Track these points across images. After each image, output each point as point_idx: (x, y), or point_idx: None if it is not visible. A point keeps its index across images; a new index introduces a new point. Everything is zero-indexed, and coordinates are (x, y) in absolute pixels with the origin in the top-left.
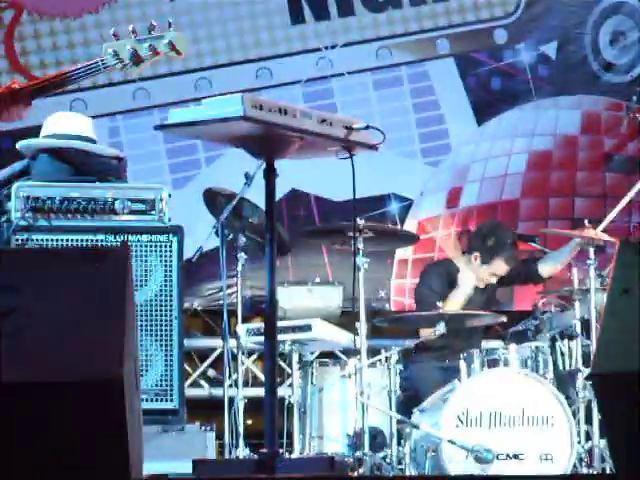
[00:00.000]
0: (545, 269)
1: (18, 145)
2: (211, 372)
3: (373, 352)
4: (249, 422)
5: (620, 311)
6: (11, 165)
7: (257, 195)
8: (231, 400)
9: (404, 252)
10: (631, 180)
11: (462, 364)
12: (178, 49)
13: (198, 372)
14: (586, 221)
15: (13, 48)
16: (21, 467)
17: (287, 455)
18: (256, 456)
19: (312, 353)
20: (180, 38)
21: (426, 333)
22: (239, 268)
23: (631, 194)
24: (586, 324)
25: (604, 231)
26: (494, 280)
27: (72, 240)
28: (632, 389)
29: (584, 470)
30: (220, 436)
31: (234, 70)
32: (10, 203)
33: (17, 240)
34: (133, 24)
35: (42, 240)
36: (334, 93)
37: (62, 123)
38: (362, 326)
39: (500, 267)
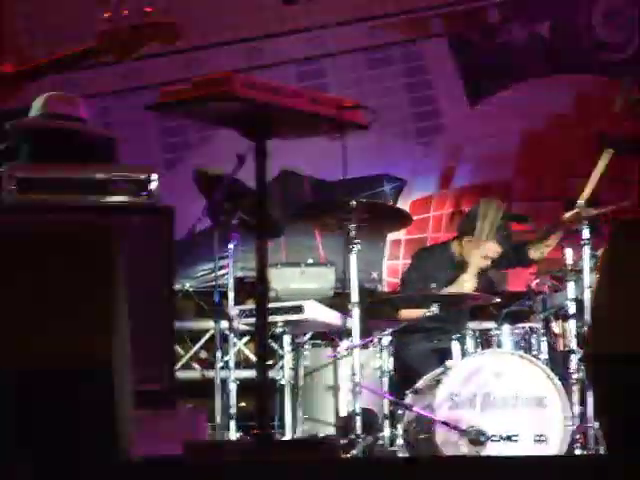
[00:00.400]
0: (535, 253)
1: (7, 125)
2: (203, 354)
3: (366, 333)
4: (241, 404)
5: (612, 292)
6: None
7: (249, 176)
8: (223, 382)
9: (397, 233)
10: (624, 160)
11: (455, 345)
12: (171, 37)
13: (190, 354)
14: (579, 202)
15: (1, 27)
16: (12, 452)
17: (279, 437)
18: (247, 438)
19: (304, 334)
20: (174, 26)
21: (413, 314)
22: (231, 249)
23: (600, 167)
24: (580, 305)
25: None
26: (488, 262)
27: (62, 220)
28: (624, 370)
29: (578, 451)
30: (212, 418)
31: (226, 50)
32: None
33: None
34: (125, 4)
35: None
36: (326, 73)
37: (52, 103)
38: (354, 307)
39: (492, 248)
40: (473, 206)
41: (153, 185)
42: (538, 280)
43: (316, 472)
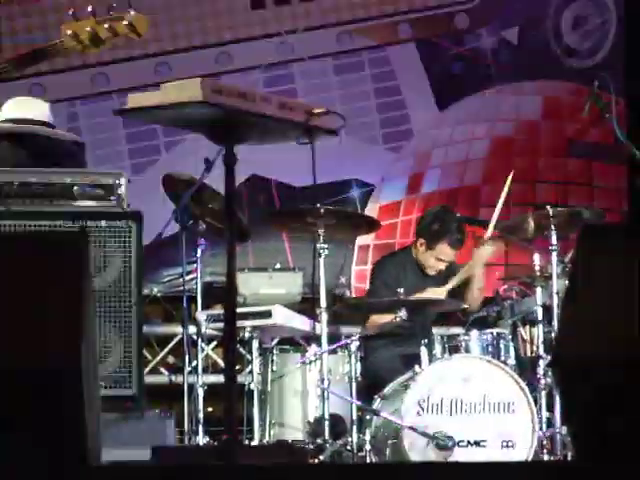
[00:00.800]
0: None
1: None
2: (170, 359)
3: (333, 339)
4: (209, 409)
5: (580, 297)
6: None
7: (217, 181)
8: (191, 387)
9: (365, 238)
10: (592, 166)
11: (423, 350)
12: (137, 30)
13: (157, 359)
14: (548, 207)
15: None
16: None
17: (247, 442)
18: (216, 443)
19: (272, 340)
20: (140, 19)
21: (381, 320)
22: (199, 254)
23: (505, 190)
24: (548, 311)
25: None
26: (442, 266)
27: (30, 226)
28: (592, 376)
29: (545, 457)
30: (180, 423)
31: (194, 55)
32: None
33: None
34: (92, 5)
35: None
36: (295, 78)
37: (20, 108)
38: (323, 313)
39: (445, 251)
40: (427, 209)
41: (121, 190)
42: (506, 286)
43: (284, 477)
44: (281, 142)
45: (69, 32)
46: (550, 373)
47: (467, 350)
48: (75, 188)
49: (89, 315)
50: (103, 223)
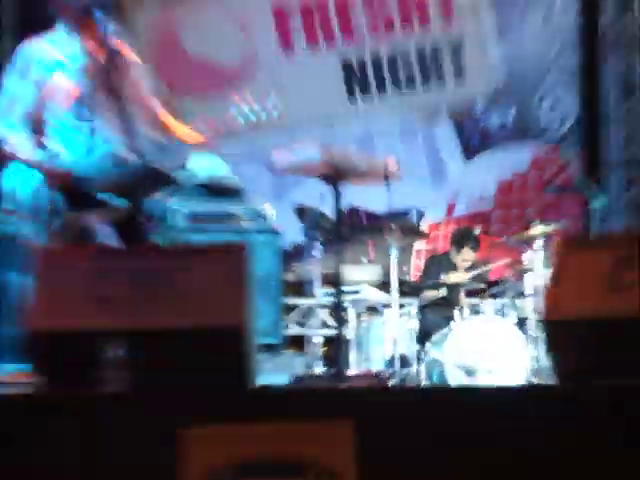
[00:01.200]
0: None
1: (179, 175)
2: (299, 319)
3: (401, 306)
4: (324, 350)
5: (558, 280)
6: None
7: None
8: (312, 337)
9: (419, 244)
10: (561, 197)
11: (457, 313)
12: None
13: (292, 319)
14: (535, 222)
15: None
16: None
17: (347, 372)
18: (329, 372)
19: (363, 307)
20: None
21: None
22: (317, 254)
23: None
24: (535, 289)
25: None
26: (468, 264)
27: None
28: (568, 327)
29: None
30: (305, 361)
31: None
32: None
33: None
34: None
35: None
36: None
37: (199, 164)
38: (393, 290)
39: (468, 254)
40: (457, 228)
41: (269, 215)
42: (508, 273)
43: (370, 395)
44: (370, 185)
45: None
46: (538, 328)
47: (485, 313)
48: (242, 214)
49: (250, 294)
50: (260, 237)
